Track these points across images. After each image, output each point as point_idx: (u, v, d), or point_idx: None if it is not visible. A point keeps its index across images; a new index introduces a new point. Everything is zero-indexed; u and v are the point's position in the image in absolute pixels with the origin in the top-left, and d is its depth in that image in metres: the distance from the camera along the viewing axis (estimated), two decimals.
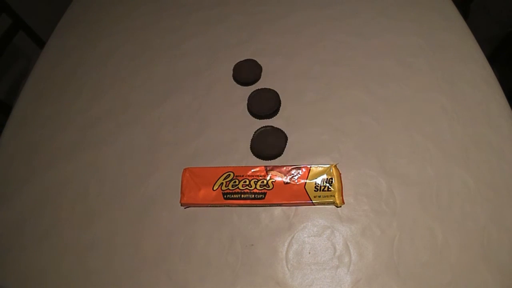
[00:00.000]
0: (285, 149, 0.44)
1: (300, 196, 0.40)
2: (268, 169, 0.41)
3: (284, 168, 0.41)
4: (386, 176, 0.42)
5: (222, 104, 0.49)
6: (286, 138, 0.45)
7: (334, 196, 0.40)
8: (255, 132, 0.45)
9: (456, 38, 0.54)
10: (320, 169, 0.41)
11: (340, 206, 0.40)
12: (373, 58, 0.52)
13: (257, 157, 0.44)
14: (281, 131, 0.45)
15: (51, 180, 0.45)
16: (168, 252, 0.38)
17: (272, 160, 0.44)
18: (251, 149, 0.44)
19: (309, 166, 0.41)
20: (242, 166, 0.42)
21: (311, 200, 0.39)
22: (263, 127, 0.46)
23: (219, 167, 0.42)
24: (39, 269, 0.39)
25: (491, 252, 0.36)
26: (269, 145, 0.44)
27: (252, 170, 0.41)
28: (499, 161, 0.42)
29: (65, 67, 0.57)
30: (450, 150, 0.43)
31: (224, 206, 0.41)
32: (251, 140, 0.45)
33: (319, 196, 0.40)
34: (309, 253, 0.38)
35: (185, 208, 0.41)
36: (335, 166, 0.41)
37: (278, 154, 0.44)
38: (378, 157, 0.43)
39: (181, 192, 0.41)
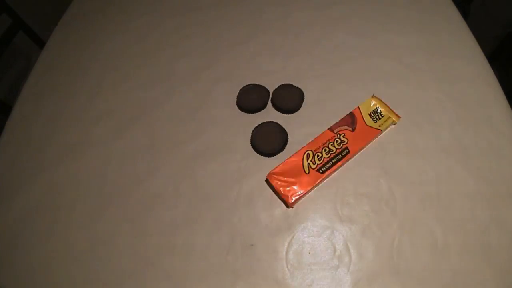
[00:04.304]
0: (285, 148, 0.44)
1: (370, 133, 0.44)
2: (332, 129, 0.44)
3: (340, 120, 0.45)
4: (386, 176, 0.42)
5: (222, 104, 0.49)
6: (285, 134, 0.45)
7: (390, 117, 0.45)
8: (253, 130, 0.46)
9: (456, 38, 0.54)
10: (365, 104, 0.46)
11: (395, 123, 0.45)
12: (373, 58, 0.52)
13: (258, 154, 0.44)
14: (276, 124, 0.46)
15: (51, 180, 0.45)
16: (168, 252, 0.38)
17: (271, 155, 0.44)
18: (252, 147, 0.45)
19: (355, 106, 0.46)
20: (311, 141, 0.43)
21: (380, 129, 0.44)
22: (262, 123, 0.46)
23: (293, 154, 0.42)
24: (39, 269, 0.39)
25: (491, 252, 0.36)
26: (269, 141, 0.45)
27: (322, 138, 0.43)
28: (499, 161, 0.42)
29: (65, 67, 0.57)
30: (450, 150, 0.43)
31: (325, 180, 0.42)
32: (251, 138, 0.45)
33: (381, 124, 0.44)
34: (309, 253, 0.38)
35: (293, 207, 0.41)
36: (373, 96, 0.47)
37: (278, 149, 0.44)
38: (378, 157, 0.43)
39: (283, 196, 0.40)
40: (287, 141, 0.45)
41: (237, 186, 0.42)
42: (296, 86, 0.49)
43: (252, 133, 0.45)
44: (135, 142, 0.47)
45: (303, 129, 0.46)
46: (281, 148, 0.44)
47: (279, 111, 0.48)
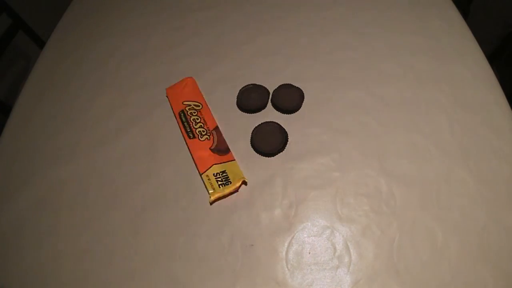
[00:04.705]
0: (285, 148, 0.44)
1: (202, 165, 0.42)
2: (215, 130, 0.45)
3: (224, 142, 0.44)
4: (386, 176, 0.42)
5: (222, 104, 0.49)
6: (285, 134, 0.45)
7: (214, 191, 0.41)
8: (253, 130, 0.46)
9: (456, 38, 0.54)
10: (236, 170, 0.42)
11: (211, 203, 0.41)
12: (373, 58, 0.52)
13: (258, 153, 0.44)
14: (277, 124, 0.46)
15: (51, 180, 0.45)
16: (168, 252, 0.38)
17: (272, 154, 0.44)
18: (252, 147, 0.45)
19: (234, 160, 0.43)
20: (209, 111, 0.47)
21: (201, 174, 0.42)
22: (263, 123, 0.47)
23: (202, 96, 0.49)
24: (39, 269, 0.39)
25: (491, 252, 0.36)
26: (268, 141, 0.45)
27: (210, 119, 0.46)
28: (499, 161, 0.42)
29: (65, 67, 0.57)
30: (450, 150, 0.43)
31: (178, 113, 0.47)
32: (251, 138, 0.45)
33: (208, 179, 0.41)
34: (309, 253, 0.38)
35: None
36: (244, 181, 0.42)
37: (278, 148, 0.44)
38: (378, 157, 0.43)
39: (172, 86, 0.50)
40: (287, 141, 0.45)
41: None
42: (296, 86, 0.49)
43: (252, 133, 0.45)
44: (135, 142, 0.47)
45: (303, 129, 0.46)
46: (281, 148, 0.44)
47: (279, 111, 0.48)
